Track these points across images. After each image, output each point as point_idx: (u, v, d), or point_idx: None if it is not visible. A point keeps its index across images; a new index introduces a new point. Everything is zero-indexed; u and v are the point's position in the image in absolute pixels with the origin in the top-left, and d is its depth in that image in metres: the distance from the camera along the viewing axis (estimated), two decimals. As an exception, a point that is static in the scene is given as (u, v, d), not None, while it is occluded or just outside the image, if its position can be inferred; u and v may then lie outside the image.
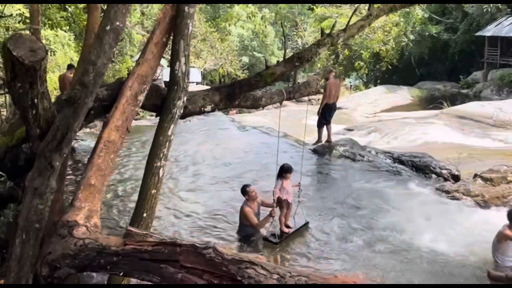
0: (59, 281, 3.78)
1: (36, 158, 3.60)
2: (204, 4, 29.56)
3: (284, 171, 6.41)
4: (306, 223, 6.79)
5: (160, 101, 4.40)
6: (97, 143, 3.94)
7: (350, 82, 34.31)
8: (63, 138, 3.49)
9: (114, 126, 3.93)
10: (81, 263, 3.64)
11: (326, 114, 9.74)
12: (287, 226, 6.62)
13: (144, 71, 4.12)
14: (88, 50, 3.59)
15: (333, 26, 4.87)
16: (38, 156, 3.57)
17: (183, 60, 4.21)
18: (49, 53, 15.86)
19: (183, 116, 4.54)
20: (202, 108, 4.72)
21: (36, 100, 3.26)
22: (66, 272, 3.72)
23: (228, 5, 32.73)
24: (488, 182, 7.98)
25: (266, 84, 4.89)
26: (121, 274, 3.50)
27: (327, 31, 5.01)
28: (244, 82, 5.01)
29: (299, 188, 6.66)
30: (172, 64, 4.26)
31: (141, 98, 4.12)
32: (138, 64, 4.17)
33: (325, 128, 10.27)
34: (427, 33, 29.36)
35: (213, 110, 4.87)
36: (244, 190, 6.44)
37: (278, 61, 4.95)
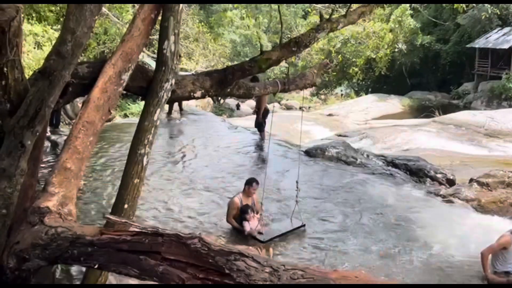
0: (28, 274, 3.42)
1: (5, 136, 3.25)
2: (197, 9, 29.30)
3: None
4: (302, 225, 6.52)
5: (146, 83, 4.06)
6: (76, 123, 3.59)
7: (341, 91, 34.24)
8: (36, 114, 3.15)
9: (95, 106, 3.59)
10: (52, 254, 3.28)
11: (264, 117, 10.73)
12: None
13: (129, 48, 3.79)
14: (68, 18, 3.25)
15: (332, 12, 4.61)
16: (8, 134, 3.22)
17: (172, 38, 3.89)
18: (36, 47, 15.48)
19: (170, 101, 4.22)
20: (192, 94, 4.38)
21: (5, 69, 2.91)
22: (36, 264, 3.36)
23: (221, 9, 32.51)
24: (484, 187, 7.78)
25: (261, 70, 4.59)
26: (96, 266, 3.15)
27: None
28: (237, 67, 4.69)
29: (297, 187, 6.48)
30: (160, 43, 3.94)
31: (125, 77, 3.78)
32: (123, 41, 3.84)
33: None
34: (418, 43, 29.42)
35: (203, 96, 4.54)
36: (248, 181, 6.33)
37: (273, 47, 4.66)
